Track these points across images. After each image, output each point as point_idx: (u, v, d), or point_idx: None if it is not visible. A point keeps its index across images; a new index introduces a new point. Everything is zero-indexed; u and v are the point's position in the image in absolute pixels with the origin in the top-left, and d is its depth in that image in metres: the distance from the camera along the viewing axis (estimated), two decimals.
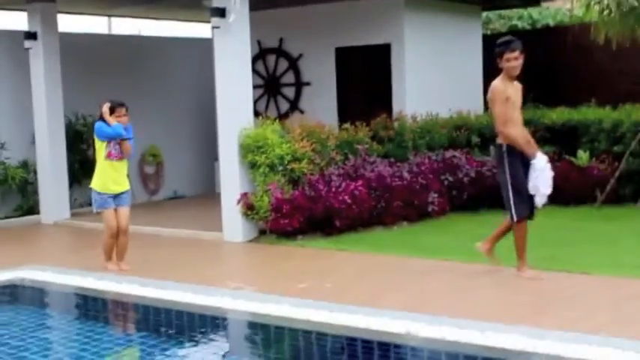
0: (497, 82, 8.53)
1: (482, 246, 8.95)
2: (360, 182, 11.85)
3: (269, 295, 8.39)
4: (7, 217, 14.48)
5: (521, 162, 8.49)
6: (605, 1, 12.98)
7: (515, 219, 8.53)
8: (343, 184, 11.72)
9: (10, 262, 10.60)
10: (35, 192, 14.82)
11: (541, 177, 8.36)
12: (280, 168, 11.64)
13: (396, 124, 13.82)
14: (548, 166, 8.49)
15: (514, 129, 8.47)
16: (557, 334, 6.51)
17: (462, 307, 7.73)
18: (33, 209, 14.77)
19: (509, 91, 8.45)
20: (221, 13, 11.63)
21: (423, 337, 6.76)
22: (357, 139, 12.95)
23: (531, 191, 8.46)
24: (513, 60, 8.38)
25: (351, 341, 7.07)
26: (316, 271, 9.76)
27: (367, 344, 6.92)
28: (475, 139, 14.48)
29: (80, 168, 15.35)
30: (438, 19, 15.48)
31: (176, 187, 17.07)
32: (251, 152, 11.68)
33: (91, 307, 9.19)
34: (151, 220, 13.37)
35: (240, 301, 8.28)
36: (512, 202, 8.51)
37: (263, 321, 7.77)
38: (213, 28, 11.95)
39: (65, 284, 9.57)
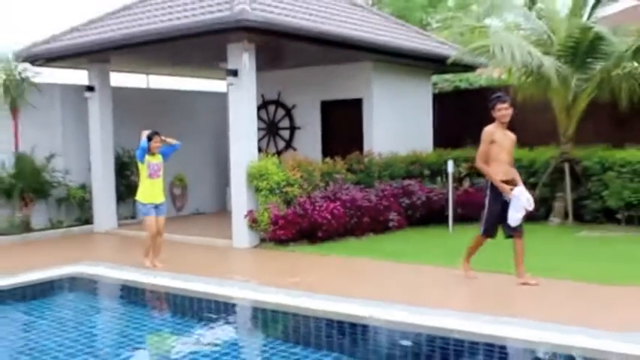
0: (488, 127, 8.25)
1: (519, 280, 8.23)
2: (337, 203, 11.78)
3: (268, 287, 8.39)
4: (69, 226, 14.28)
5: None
6: (522, 70, 13.16)
7: (481, 233, 8.37)
8: (325, 205, 11.63)
9: (71, 259, 10.57)
10: (90, 207, 14.63)
11: (513, 203, 7.97)
12: (277, 191, 11.55)
13: (366, 160, 13.74)
14: (522, 197, 8.01)
15: (496, 166, 8.13)
16: (478, 315, 6.69)
17: (413, 297, 7.78)
18: (88, 220, 14.60)
19: (496, 135, 8.12)
20: (234, 73, 11.60)
21: (383, 319, 6.86)
22: (336, 170, 12.87)
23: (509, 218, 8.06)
24: (503, 110, 8.10)
25: (329, 322, 7.10)
26: (304, 270, 9.74)
27: (340, 324, 6.99)
28: (426, 172, 14.42)
29: (125, 189, 15.15)
30: (398, 80, 15.33)
31: (197, 205, 16.85)
32: (255, 179, 11.61)
33: (132, 295, 9.18)
34: (178, 230, 13.23)
35: (246, 291, 8.31)
36: (484, 221, 8.31)
37: (263, 307, 7.82)
38: (228, 84, 11.83)
39: (113, 277, 9.56)
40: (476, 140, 14.89)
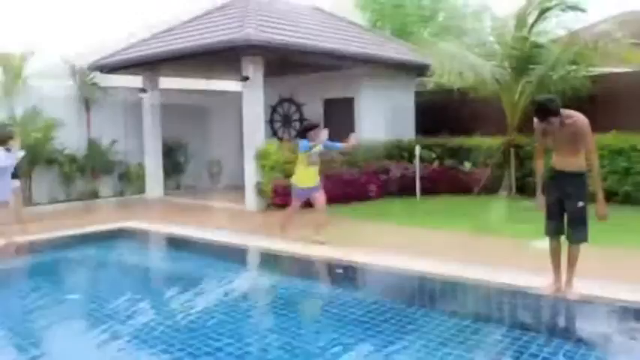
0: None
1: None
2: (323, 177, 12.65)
3: (267, 237, 9.50)
4: (128, 195, 15.50)
5: (554, 181, 6.07)
6: (472, 74, 13.67)
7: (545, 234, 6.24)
8: None
9: (124, 217, 11.78)
10: (144, 180, 15.77)
11: None
12: (278, 168, 12.44)
13: None
14: None
15: (553, 157, 6.15)
16: (420, 259, 7.82)
17: (372, 244, 8.56)
18: (142, 190, 15.76)
19: (548, 128, 6.02)
20: (246, 78, 12.74)
21: (322, 256, 8.06)
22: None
23: None
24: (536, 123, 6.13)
25: (293, 259, 8.20)
26: (291, 227, 10.29)
27: (317, 265, 8.09)
28: (405, 154, 15.08)
29: (171, 167, 16.31)
30: (384, 83, 16.03)
31: (230, 180, 17.31)
32: (261, 158, 12.61)
33: (167, 243, 10.34)
34: (210, 198, 14.47)
35: (252, 240, 9.40)
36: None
37: (263, 251, 8.87)
38: (242, 87, 12.96)
39: (150, 230, 10.76)
40: (449, 130, 15.91)
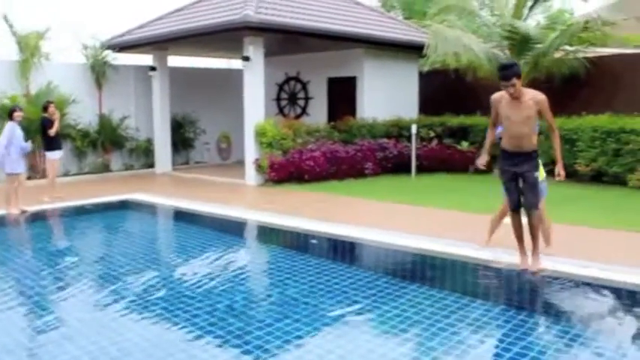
0: (494, 94, 6.33)
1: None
2: (318, 153, 13.30)
3: (251, 209, 10.27)
4: (137, 169, 16.39)
5: (508, 161, 6.30)
6: (467, 55, 14.28)
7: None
8: (309, 155, 13.19)
9: (131, 190, 12.54)
10: (153, 155, 16.58)
11: None
12: (275, 144, 13.14)
13: (349, 123, 15.12)
14: None
15: (504, 136, 6.28)
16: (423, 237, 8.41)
17: (369, 221, 8.96)
18: (151, 165, 16.60)
19: (501, 104, 6.16)
20: (247, 58, 13.35)
21: (304, 228, 8.60)
22: (317, 129, 14.35)
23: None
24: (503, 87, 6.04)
25: (290, 234, 8.64)
26: (280, 200, 11.34)
27: (294, 235, 8.63)
28: (405, 133, 15.36)
29: (179, 142, 17.07)
30: (386, 62, 16.43)
31: (239, 156, 17.52)
32: (259, 135, 13.24)
33: (161, 213, 11.00)
34: (216, 173, 15.19)
35: (249, 213, 10.01)
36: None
37: (257, 223, 9.49)
38: (243, 67, 13.60)
39: (150, 201, 11.48)
40: (453, 109, 16.34)
